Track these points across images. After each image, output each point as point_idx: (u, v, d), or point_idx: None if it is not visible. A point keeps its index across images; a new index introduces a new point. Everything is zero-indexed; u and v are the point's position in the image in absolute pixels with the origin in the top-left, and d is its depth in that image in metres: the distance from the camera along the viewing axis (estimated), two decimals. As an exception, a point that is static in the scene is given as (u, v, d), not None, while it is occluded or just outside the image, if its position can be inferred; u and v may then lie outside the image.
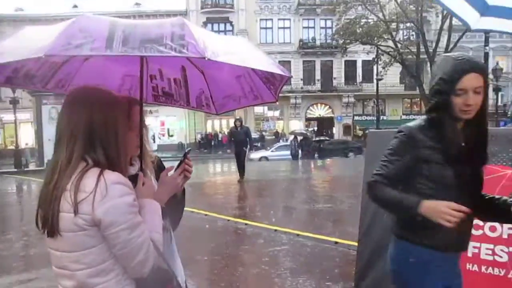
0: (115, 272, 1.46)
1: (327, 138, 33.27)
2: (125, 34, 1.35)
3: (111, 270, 1.45)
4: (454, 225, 1.74)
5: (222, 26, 37.85)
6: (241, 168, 13.19)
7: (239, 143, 13.08)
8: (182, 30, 1.38)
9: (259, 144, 29.72)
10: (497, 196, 2.03)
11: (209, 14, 37.64)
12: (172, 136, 38.69)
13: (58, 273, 1.49)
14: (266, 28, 38.88)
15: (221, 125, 38.59)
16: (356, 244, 4.11)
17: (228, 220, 7.83)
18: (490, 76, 21.40)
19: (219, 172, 19.80)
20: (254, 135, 32.72)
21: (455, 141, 1.88)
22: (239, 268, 5.31)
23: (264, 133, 37.96)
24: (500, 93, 21.05)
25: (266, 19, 38.71)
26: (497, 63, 24.78)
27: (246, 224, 7.47)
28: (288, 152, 22.86)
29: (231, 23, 38.22)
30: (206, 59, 1.32)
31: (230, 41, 1.80)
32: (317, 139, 31.20)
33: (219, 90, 2.08)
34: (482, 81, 1.81)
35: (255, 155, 23.38)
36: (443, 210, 1.75)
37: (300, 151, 25.78)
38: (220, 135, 37.32)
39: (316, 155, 27.38)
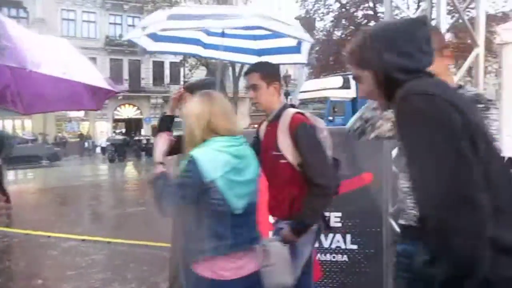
0: None
1: (149, 137, 32.35)
2: None
3: None
4: None
5: (13, 12, 32.37)
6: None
7: None
8: None
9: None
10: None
11: (-3, -4, 32.24)
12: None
13: None
14: (68, 19, 35.60)
15: (23, 126, 33.23)
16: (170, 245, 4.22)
17: (27, 234, 7.02)
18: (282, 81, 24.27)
19: (13, 180, 17.43)
20: (27, 136, 28.57)
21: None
22: (44, 286, 4.84)
23: (66, 135, 34.51)
24: (289, 97, 23.94)
25: (68, 10, 35.47)
26: (286, 71, 28.09)
27: (48, 236, 6.82)
28: None
29: (25, 9, 33.23)
30: (28, 70, 1.24)
31: (52, 44, 1.67)
32: (137, 138, 30.18)
33: (31, 88, 1.88)
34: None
35: None
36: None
37: (116, 156, 25.30)
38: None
39: (142, 154, 26.89)
